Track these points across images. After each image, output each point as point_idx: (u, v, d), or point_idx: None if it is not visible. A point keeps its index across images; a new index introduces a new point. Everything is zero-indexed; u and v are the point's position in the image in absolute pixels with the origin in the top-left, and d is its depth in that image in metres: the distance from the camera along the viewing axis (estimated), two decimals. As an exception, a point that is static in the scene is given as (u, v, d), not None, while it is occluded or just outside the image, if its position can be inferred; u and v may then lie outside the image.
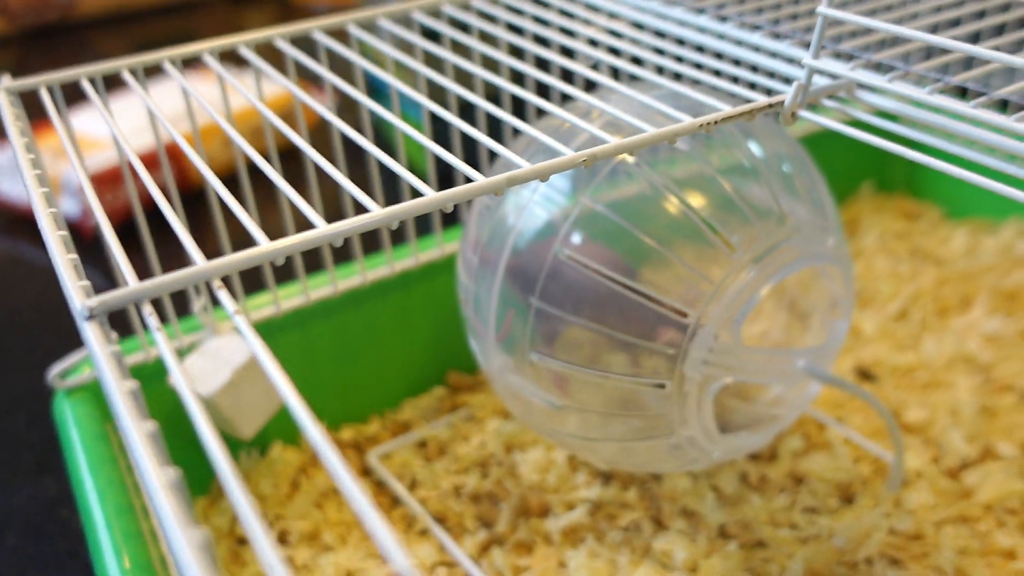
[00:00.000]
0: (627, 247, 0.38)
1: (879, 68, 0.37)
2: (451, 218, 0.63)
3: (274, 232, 0.28)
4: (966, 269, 0.67)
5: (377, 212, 0.27)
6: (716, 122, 0.32)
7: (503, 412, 0.57)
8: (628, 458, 0.45)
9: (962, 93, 0.36)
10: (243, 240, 0.57)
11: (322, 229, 0.26)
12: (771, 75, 0.40)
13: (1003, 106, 0.36)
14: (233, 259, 0.24)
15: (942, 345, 0.60)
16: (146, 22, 1.38)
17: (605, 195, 0.39)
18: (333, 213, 0.33)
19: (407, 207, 0.27)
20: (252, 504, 0.17)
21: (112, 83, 0.97)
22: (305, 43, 0.47)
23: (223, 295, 0.23)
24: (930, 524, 0.47)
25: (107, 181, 0.81)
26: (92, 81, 0.40)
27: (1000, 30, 0.44)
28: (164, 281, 0.24)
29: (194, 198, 0.82)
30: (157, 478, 0.18)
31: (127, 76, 0.40)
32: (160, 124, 0.33)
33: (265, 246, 0.25)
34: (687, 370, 0.38)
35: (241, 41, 0.43)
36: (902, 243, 0.72)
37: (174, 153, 0.84)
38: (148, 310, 0.23)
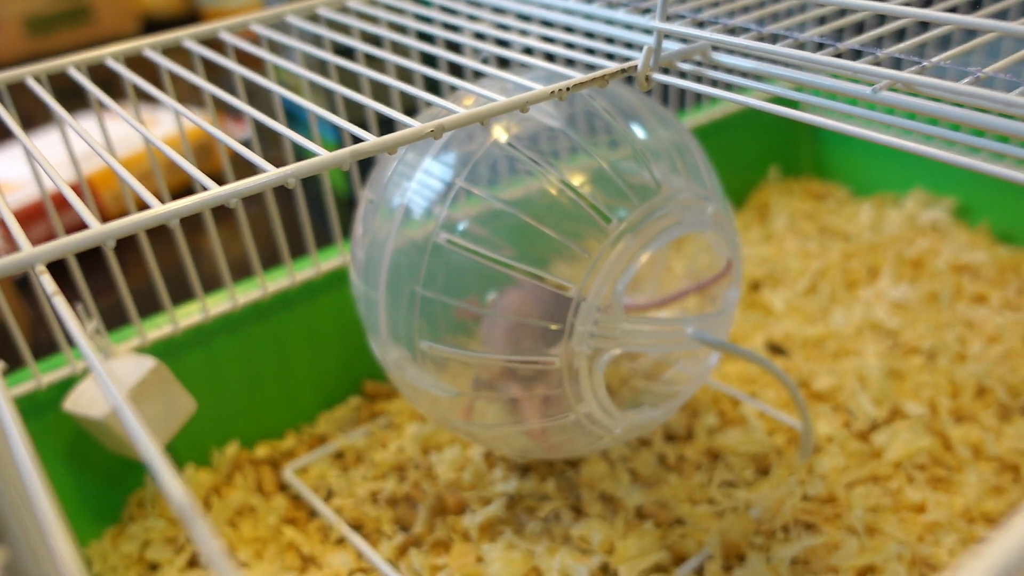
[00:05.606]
0: (506, 227, 0.38)
1: (734, 32, 0.37)
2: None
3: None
4: (872, 241, 0.69)
5: (216, 189, 0.26)
6: (568, 88, 0.32)
7: (422, 416, 0.56)
8: (539, 443, 0.45)
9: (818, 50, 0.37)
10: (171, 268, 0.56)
11: (156, 209, 0.25)
12: (641, 48, 0.40)
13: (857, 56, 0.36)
14: (59, 243, 0.24)
15: (850, 315, 0.61)
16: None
17: (486, 183, 0.39)
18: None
19: (245, 183, 0.26)
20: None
21: (27, 123, 0.95)
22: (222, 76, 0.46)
23: (45, 279, 0.23)
24: (841, 486, 0.48)
25: (21, 220, 0.79)
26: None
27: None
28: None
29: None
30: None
31: (31, 83, 0.40)
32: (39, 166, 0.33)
33: (95, 229, 0.24)
34: (575, 345, 0.38)
35: (147, 44, 0.43)
36: (810, 222, 0.73)
37: (92, 187, 0.82)
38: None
